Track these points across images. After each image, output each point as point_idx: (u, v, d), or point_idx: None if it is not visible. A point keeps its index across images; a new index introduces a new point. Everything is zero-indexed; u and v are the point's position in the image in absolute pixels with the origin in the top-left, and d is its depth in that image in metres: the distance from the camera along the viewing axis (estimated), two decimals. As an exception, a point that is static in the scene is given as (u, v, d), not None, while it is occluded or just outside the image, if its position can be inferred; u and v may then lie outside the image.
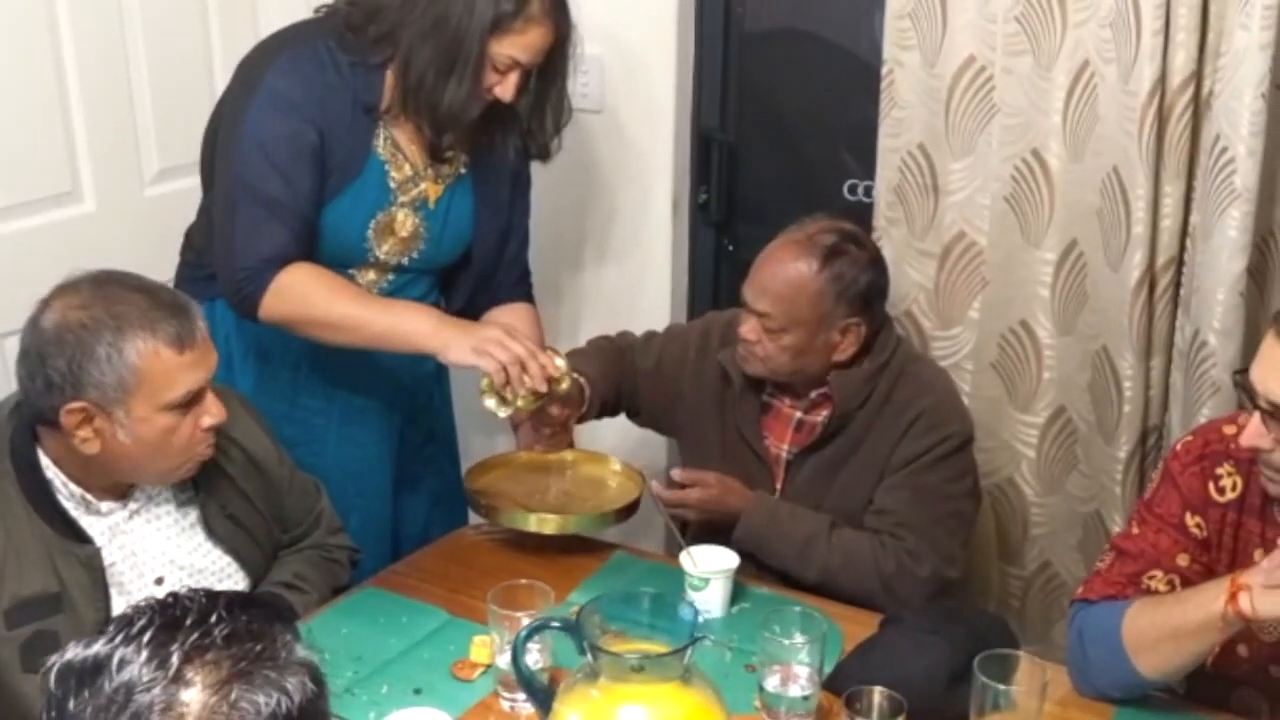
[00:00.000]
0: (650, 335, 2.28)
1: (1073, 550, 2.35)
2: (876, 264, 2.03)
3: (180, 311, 1.61)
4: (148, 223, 2.50)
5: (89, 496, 1.66)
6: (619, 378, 2.20)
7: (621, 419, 2.30)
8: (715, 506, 2.01)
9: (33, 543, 1.61)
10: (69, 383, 1.56)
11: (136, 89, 2.51)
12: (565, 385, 1.96)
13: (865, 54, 2.51)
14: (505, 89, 1.94)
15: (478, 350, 1.89)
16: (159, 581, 1.72)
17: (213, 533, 1.77)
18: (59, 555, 1.63)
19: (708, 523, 2.06)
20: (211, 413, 1.65)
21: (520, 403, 1.92)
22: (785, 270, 1.97)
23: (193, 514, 1.76)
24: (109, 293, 1.59)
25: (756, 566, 2.01)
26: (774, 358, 2.00)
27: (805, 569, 1.97)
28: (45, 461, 1.65)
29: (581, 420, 2.15)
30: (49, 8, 2.34)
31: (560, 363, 1.95)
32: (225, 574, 1.79)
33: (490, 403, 1.93)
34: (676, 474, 2.03)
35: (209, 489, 1.76)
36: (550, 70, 2.00)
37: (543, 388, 1.91)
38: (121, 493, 1.70)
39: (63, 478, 1.65)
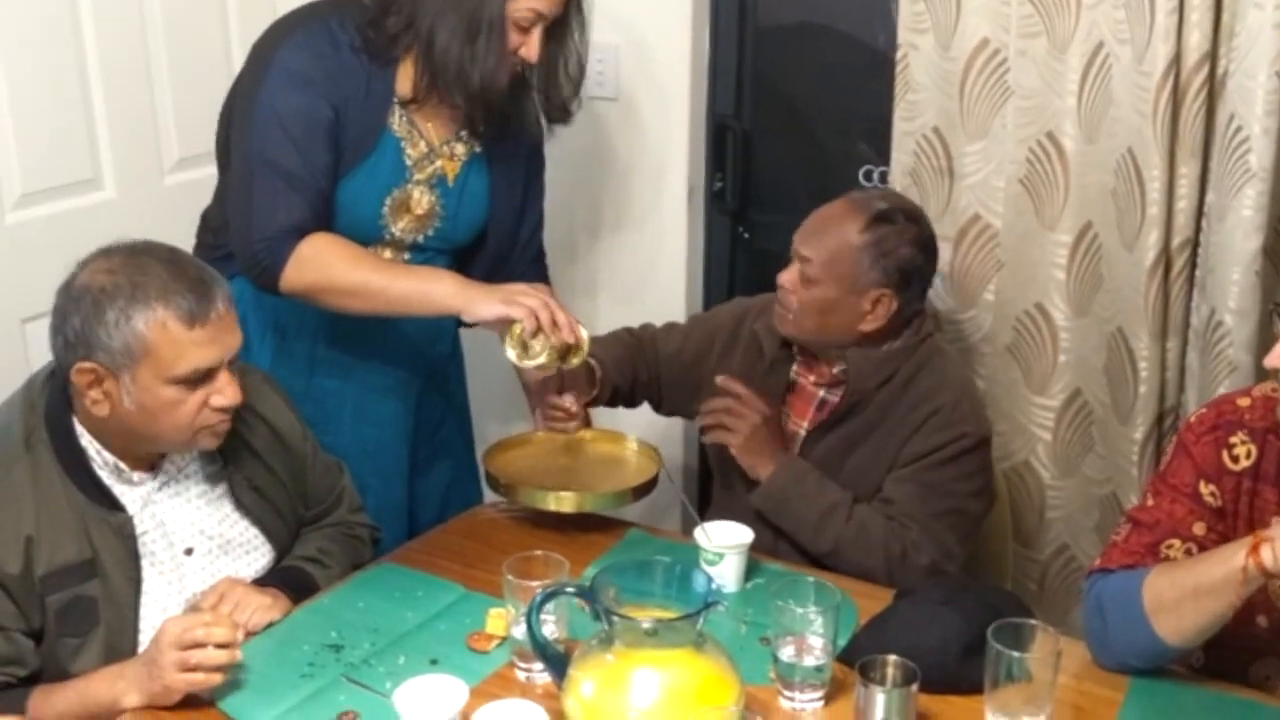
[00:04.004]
0: (672, 324, 2.30)
1: (1090, 533, 2.35)
2: (923, 245, 2.03)
3: (201, 287, 1.62)
4: (168, 210, 2.52)
5: (122, 465, 1.68)
6: (636, 366, 2.21)
7: (644, 409, 2.31)
8: (758, 438, 2.00)
9: (67, 509, 1.63)
10: (81, 342, 1.59)
11: (156, 77, 2.54)
12: (577, 360, 1.96)
13: (879, 44, 2.52)
14: (530, 48, 1.94)
15: (507, 301, 1.89)
16: (189, 552, 1.74)
17: (240, 504, 1.79)
18: (92, 522, 1.65)
19: (725, 500, 2.07)
20: (225, 394, 1.65)
21: (543, 357, 1.92)
22: (832, 223, 2.00)
23: (221, 486, 1.78)
24: (139, 262, 1.61)
25: (774, 534, 2.01)
26: (805, 310, 2.00)
27: (819, 538, 1.97)
28: (80, 429, 1.67)
29: (593, 404, 2.16)
30: (71, -1, 2.38)
31: (583, 332, 1.96)
32: (252, 545, 1.80)
33: (512, 353, 1.93)
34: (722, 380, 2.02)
35: (236, 462, 1.78)
36: (563, 25, 2.00)
37: (570, 340, 1.91)
38: (152, 463, 1.72)
39: (96, 445, 1.67)
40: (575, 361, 1.96)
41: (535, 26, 1.94)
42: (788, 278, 2.02)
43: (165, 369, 1.60)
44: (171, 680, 1.54)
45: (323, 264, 1.94)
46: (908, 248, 1.99)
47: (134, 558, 1.68)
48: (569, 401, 2.07)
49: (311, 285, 1.94)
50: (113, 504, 1.67)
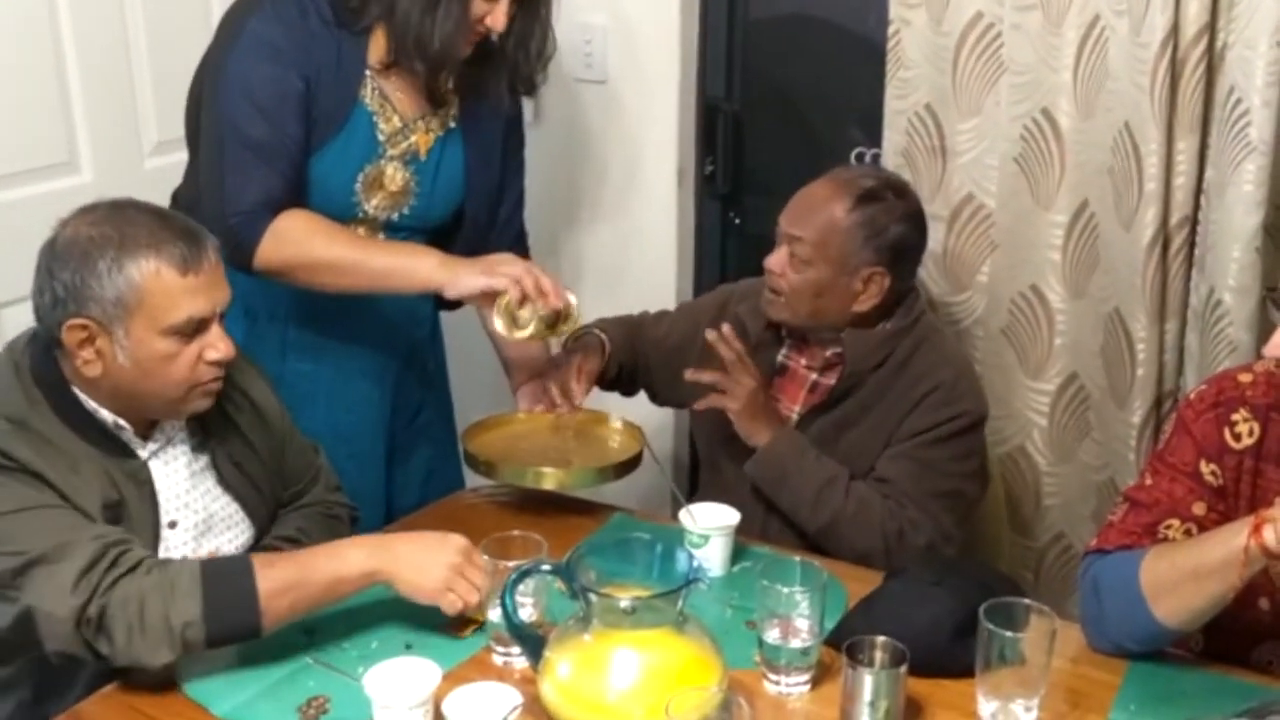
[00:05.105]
0: (663, 312, 2.27)
1: (1086, 520, 2.29)
2: (912, 220, 1.98)
3: (190, 237, 1.59)
4: (146, 195, 2.37)
5: (121, 423, 1.63)
6: (636, 348, 2.19)
7: (641, 400, 2.27)
8: (757, 403, 1.95)
9: (85, 458, 1.59)
10: (71, 297, 1.54)
11: (135, 60, 2.49)
12: (567, 327, 1.92)
13: (870, 24, 2.48)
14: (496, 19, 1.90)
15: (488, 271, 1.86)
16: (172, 525, 1.69)
17: (222, 479, 1.75)
18: (113, 470, 1.61)
19: (712, 485, 2.02)
20: (219, 347, 1.62)
21: (531, 328, 1.88)
22: (819, 203, 1.95)
23: (204, 459, 1.74)
24: (124, 214, 1.59)
25: (765, 510, 1.97)
26: (797, 293, 1.95)
27: (816, 512, 1.92)
28: (74, 390, 1.62)
29: (601, 378, 2.13)
30: (47, -24, 2.33)
31: (571, 298, 1.91)
32: (233, 521, 1.76)
33: (501, 324, 1.88)
34: (718, 331, 1.96)
35: (219, 436, 1.74)
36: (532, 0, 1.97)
37: (558, 304, 1.88)
38: (143, 433, 1.67)
39: (92, 405, 1.62)
40: (565, 329, 1.93)
41: None
42: (776, 261, 1.97)
43: (159, 318, 1.56)
44: (438, 584, 1.57)
45: (300, 238, 1.89)
46: (898, 224, 1.94)
47: (151, 503, 1.64)
48: (577, 391, 2.03)
49: (288, 261, 1.90)
50: (125, 451, 1.63)
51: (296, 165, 1.93)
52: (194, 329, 1.60)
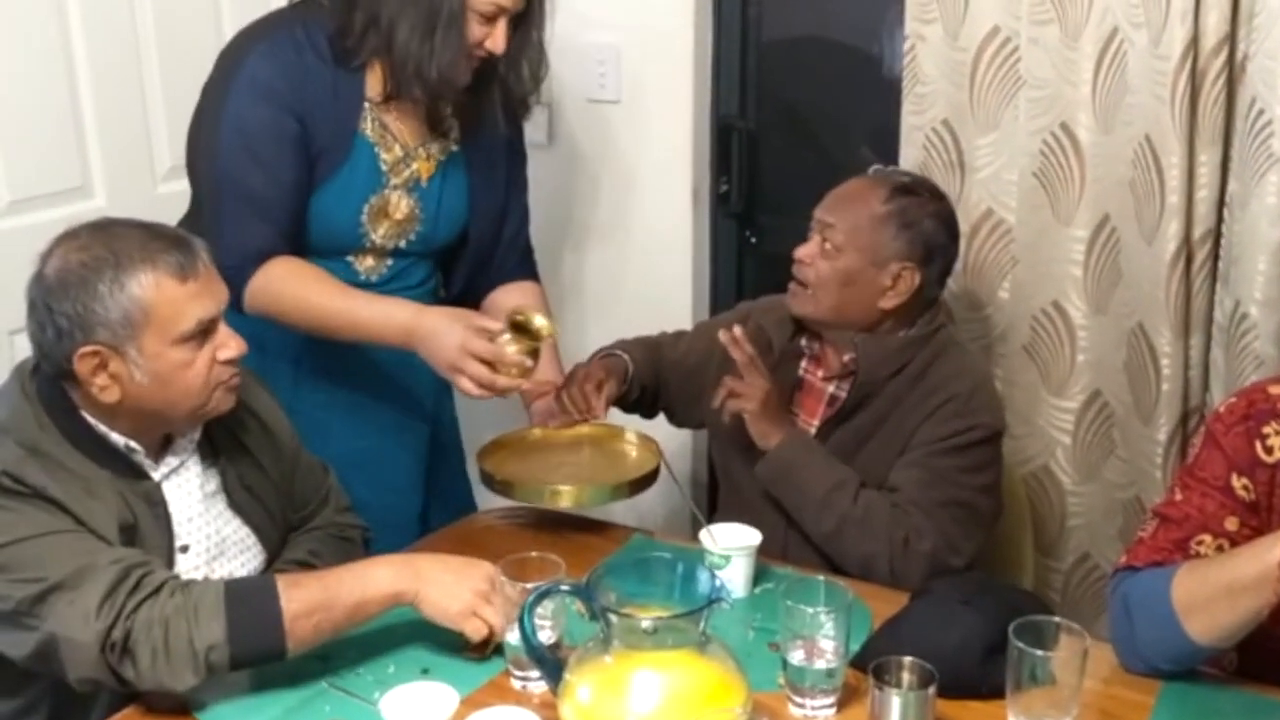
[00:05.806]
0: (680, 332, 2.26)
1: (1113, 540, 2.26)
2: (945, 220, 1.98)
3: (181, 243, 1.58)
4: (160, 219, 2.44)
5: (133, 445, 1.62)
6: (657, 369, 2.18)
7: (658, 421, 2.25)
8: (771, 404, 1.94)
9: (96, 482, 1.58)
10: (78, 326, 1.53)
11: (148, 85, 2.50)
12: (546, 334, 1.91)
13: (883, 42, 2.48)
14: (495, 40, 1.90)
15: (447, 367, 1.86)
16: (184, 550, 1.67)
17: (233, 502, 1.73)
18: (126, 492, 1.59)
19: (731, 504, 2.00)
20: (230, 345, 1.61)
21: (509, 386, 1.87)
22: (855, 194, 1.97)
23: (215, 482, 1.72)
24: (108, 232, 1.57)
25: (786, 525, 1.94)
26: (824, 282, 1.94)
27: (824, 514, 1.90)
28: (83, 414, 1.61)
29: (623, 400, 2.11)
30: (60, 3, 2.33)
31: (510, 347, 1.86)
32: (245, 545, 1.74)
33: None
34: (730, 333, 1.94)
35: (230, 457, 1.73)
36: (525, 18, 1.96)
37: (526, 384, 1.90)
38: (155, 455, 1.66)
39: (103, 428, 1.61)
40: (546, 336, 1.91)
41: (499, 18, 1.89)
42: (806, 251, 1.97)
43: (169, 329, 1.56)
44: (464, 608, 1.57)
45: (275, 295, 1.92)
46: (931, 220, 1.95)
47: (165, 524, 1.62)
48: (595, 402, 2.01)
49: (267, 313, 1.93)
50: (138, 473, 1.61)
51: (292, 212, 1.94)
52: (203, 332, 1.59)
